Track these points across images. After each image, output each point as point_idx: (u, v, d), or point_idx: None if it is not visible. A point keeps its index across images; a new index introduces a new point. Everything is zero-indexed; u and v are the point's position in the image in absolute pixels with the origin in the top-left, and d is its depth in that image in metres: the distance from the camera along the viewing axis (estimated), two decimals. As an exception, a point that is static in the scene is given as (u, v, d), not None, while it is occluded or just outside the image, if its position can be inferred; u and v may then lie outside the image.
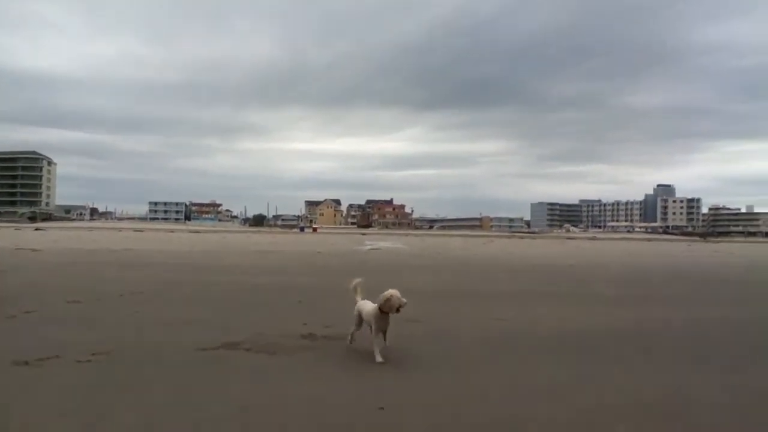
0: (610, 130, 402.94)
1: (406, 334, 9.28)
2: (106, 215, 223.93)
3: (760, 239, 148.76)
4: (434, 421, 5.55)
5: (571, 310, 13.01)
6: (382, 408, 5.82)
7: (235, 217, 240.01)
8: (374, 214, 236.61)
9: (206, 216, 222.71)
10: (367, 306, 7.93)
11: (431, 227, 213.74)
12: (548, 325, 10.91)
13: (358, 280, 8.51)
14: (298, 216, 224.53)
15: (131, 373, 6.98)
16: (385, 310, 7.48)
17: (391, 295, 7.39)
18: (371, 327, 7.76)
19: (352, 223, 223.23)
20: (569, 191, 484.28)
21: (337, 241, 61.98)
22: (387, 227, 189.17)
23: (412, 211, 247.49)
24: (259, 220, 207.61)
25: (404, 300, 7.41)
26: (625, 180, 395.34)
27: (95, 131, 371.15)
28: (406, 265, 27.86)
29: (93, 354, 7.71)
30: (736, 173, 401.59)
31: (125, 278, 17.79)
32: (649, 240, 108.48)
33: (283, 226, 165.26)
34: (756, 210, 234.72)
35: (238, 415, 5.61)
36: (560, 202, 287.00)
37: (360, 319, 8.08)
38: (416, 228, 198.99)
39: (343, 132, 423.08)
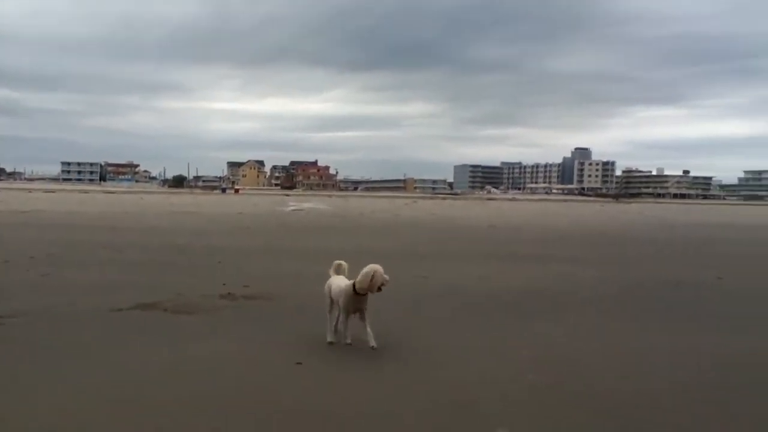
0: (531, 94, 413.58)
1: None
2: (14, 176, 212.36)
3: (668, 200, 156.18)
4: (351, 375, 5.65)
5: (491, 269, 13.39)
6: (300, 363, 5.86)
7: (154, 178, 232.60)
8: (298, 176, 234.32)
9: (123, 177, 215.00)
10: (339, 282, 6.67)
11: (356, 189, 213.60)
12: (468, 283, 11.21)
13: (339, 261, 7.07)
14: (220, 177, 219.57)
15: (42, 336, 6.75)
16: (362, 292, 6.22)
17: (375, 272, 6.13)
18: (338, 305, 6.55)
19: (276, 185, 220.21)
20: (491, 154, 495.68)
21: (259, 203, 61.19)
22: (311, 189, 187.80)
23: (337, 172, 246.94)
24: (179, 182, 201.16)
25: (387, 277, 6.20)
26: (545, 143, 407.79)
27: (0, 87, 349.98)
28: (329, 226, 27.86)
29: (-1, 317, 7.41)
30: (648, 137, 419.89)
31: (36, 240, 17.08)
32: (565, 201, 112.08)
33: (204, 188, 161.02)
34: (666, 173, 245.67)
35: (157, 374, 5.54)
36: (482, 164, 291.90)
37: (329, 299, 6.75)
38: (341, 190, 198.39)
39: (267, 92, 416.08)
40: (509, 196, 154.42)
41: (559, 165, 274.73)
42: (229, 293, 9.33)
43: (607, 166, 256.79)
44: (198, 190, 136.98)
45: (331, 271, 6.97)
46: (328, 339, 6.62)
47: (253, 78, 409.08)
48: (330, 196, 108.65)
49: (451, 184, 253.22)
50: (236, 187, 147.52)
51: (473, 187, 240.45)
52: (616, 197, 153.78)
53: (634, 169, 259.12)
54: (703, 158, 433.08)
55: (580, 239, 23.65)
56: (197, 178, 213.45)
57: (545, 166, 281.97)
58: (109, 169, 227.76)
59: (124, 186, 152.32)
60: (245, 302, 8.84)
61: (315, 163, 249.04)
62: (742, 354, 6.75)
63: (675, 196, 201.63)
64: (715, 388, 5.55)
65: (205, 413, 4.63)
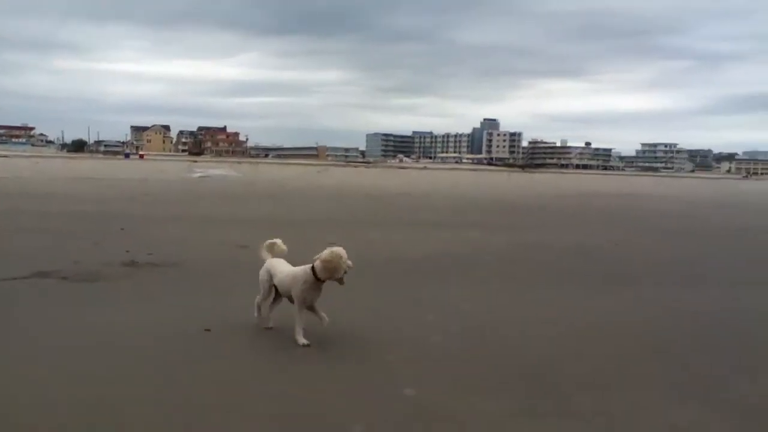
0: (443, 65, 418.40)
1: (235, 258, 9.27)
2: None
3: (571, 171, 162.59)
4: (260, 341, 5.64)
5: (400, 236, 13.58)
6: (209, 329, 5.79)
7: (51, 142, 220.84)
8: (207, 142, 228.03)
9: (17, 140, 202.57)
10: (285, 267, 5.82)
11: (267, 156, 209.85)
12: (377, 251, 11.30)
13: (275, 240, 6.07)
14: (124, 142, 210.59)
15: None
16: (323, 277, 5.45)
17: (341, 256, 5.40)
18: (289, 298, 5.71)
19: (183, 151, 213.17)
20: (403, 123, 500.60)
21: (165, 169, 59.22)
22: (220, 155, 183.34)
23: (247, 139, 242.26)
24: (79, 146, 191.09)
25: (351, 263, 5.48)
26: (455, 113, 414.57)
27: None
28: (236, 193, 27.42)
29: None
30: (553, 110, 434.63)
31: None
32: (475, 170, 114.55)
33: (106, 153, 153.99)
34: (569, 144, 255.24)
35: (56, 343, 5.33)
36: (394, 133, 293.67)
37: (270, 286, 5.83)
38: (251, 156, 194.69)
39: (174, 54, 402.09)
40: (421, 165, 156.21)
41: (468, 135, 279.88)
42: (132, 261, 9.06)
43: (514, 137, 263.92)
44: (100, 155, 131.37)
45: (264, 252, 6.01)
46: (255, 314, 5.94)
47: (159, 39, 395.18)
48: (239, 162, 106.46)
49: (363, 153, 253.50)
50: (141, 152, 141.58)
51: (385, 156, 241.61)
52: (523, 167, 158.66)
53: (539, 140, 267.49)
54: (603, 130, 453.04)
55: (487, 206, 24.34)
56: (99, 142, 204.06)
57: (455, 136, 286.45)
58: (1, 132, 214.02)
59: (18, 150, 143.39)
60: (150, 269, 8.62)
61: (224, 129, 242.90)
62: (629, 311, 7.22)
63: (578, 166, 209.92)
64: (610, 342, 5.91)
65: (108, 381, 4.50)
